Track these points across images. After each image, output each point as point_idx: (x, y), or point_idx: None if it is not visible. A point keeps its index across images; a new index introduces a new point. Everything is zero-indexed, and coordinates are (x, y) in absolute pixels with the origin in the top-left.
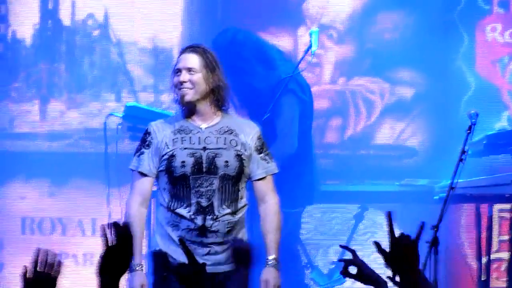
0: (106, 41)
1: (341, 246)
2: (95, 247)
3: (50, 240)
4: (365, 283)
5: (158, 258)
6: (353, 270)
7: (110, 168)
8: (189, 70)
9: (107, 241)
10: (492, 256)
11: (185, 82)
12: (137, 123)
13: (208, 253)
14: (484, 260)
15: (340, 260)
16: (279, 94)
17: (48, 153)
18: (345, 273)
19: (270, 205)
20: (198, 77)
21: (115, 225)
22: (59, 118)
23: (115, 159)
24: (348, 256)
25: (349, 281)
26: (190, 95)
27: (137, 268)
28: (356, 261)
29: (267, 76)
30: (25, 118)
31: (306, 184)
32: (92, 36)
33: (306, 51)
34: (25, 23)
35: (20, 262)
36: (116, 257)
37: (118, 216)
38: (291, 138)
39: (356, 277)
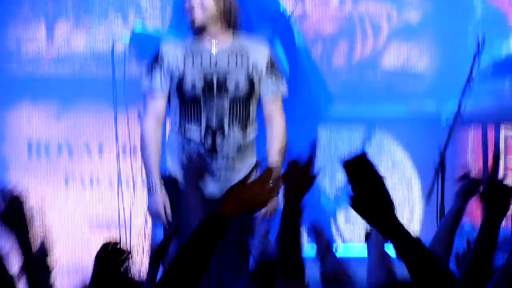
0: None
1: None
2: (102, 170)
3: (56, 163)
4: None
5: (168, 183)
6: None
7: (117, 92)
8: None
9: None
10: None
11: (195, 5)
12: (144, 49)
13: (219, 177)
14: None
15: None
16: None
17: (55, 77)
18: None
19: (277, 127)
20: (207, 1)
21: None
22: (66, 42)
23: (122, 83)
24: None
25: None
26: (200, 18)
27: (157, 188)
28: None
29: None
30: (32, 42)
31: (309, 103)
32: None
33: None
34: None
35: (25, 185)
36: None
37: (125, 139)
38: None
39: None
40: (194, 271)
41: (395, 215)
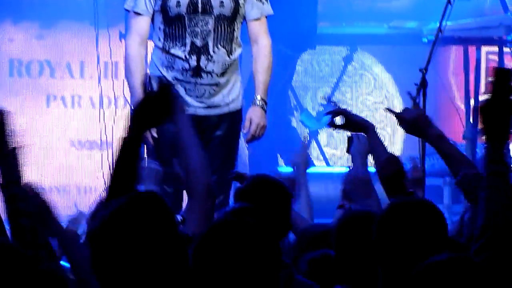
0: None
1: (328, 99)
2: (83, 89)
3: (38, 83)
4: (354, 131)
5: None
6: (340, 120)
7: (98, 10)
8: None
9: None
10: (480, 98)
11: None
12: None
13: (203, 95)
14: (472, 102)
15: (327, 114)
16: None
17: None
18: (333, 125)
19: (263, 47)
20: None
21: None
22: None
23: (104, 0)
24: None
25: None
26: None
27: None
28: (340, 110)
29: None
30: None
31: (307, 27)
32: None
33: None
34: None
35: (8, 104)
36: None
37: (106, 58)
38: None
39: (344, 127)
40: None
41: None
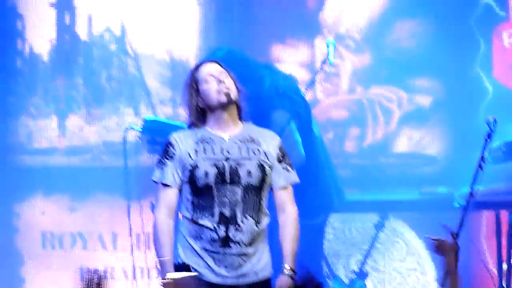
0: (123, 54)
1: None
2: (116, 261)
3: (70, 255)
4: None
5: (181, 271)
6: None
7: (129, 181)
8: (220, 74)
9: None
10: None
11: (223, 83)
12: (156, 136)
13: (231, 265)
14: (504, 266)
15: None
16: (270, 111)
17: (67, 167)
18: None
19: (289, 215)
20: (230, 81)
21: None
22: (78, 133)
23: (135, 172)
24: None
25: None
26: (233, 94)
27: None
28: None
29: (255, 94)
30: (44, 133)
31: (322, 194)
32: (109, 49)
33: (323, 62)
34: (42, 37)
35: (41, 277)
36: None
37: (138, 230)
38: (296, 149)
39: None
40: None
41: None
